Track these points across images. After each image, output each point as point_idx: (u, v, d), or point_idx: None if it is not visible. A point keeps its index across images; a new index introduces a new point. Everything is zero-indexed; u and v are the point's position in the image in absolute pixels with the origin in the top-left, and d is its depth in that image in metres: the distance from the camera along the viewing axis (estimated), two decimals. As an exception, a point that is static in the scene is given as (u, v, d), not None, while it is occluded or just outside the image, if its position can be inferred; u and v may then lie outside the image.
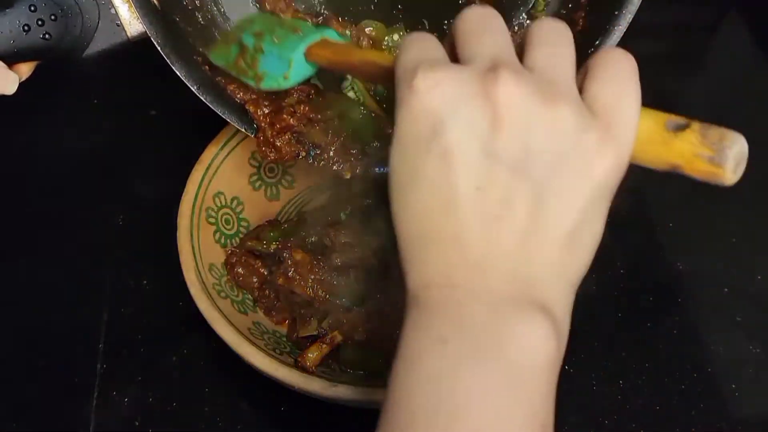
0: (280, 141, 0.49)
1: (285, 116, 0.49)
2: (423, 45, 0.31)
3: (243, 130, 0.49)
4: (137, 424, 0.49)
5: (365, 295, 0.51)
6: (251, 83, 0.46)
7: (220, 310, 0.47)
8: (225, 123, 0.57)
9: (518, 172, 0.28)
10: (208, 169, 0.55)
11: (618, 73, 0.31)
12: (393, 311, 0.50)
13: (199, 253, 0.51)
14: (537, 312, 0.28)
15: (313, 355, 0.49)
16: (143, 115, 0.67)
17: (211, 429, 0.49)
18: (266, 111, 0.49)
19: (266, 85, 0.46)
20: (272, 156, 0.49)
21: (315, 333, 0.50)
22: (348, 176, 0.50)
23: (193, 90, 0.47)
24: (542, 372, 0.28)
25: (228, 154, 0.56)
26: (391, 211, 0.31)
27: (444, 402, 0.27)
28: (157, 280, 0.56)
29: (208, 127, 0.56)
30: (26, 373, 0.51)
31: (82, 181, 0.62)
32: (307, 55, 0.44)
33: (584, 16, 0.51)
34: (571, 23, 0.50)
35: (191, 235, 0.51)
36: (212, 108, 0.48)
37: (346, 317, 0.50)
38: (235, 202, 0.56)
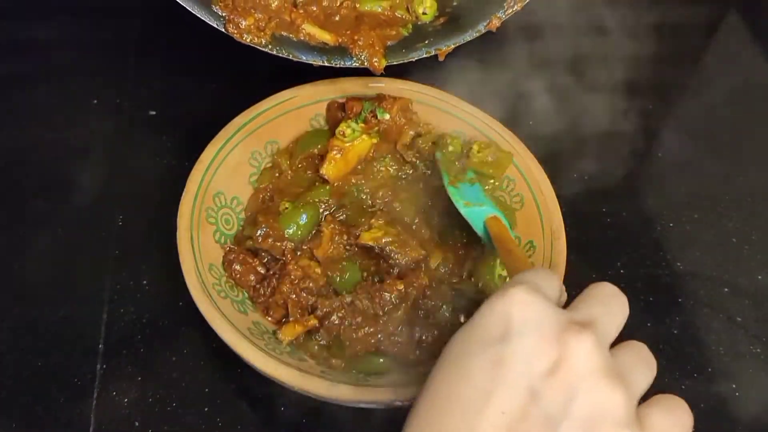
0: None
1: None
2: (545, 277, 0.34)
3: (213, 24, 0.52)
4: (137, 424, 0.49)
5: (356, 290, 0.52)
6: (445, 178, 0.54)
7: (220, 310, 0.47)
8: (225, 123, 0.57)
9: (548, 423, 0.29)
10: (208, 169, 0.55)
11: (680, 422, 0.31)
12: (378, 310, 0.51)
13: (199, 253, 0.51)
14: None
15: (286, 332, 0.49)
16: (143, 115, 0.67)
17: (211, 429, 0.49)
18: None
19: (452, 190, 0.53)
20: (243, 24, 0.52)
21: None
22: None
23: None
24: None
25: (228, 154, 0.56)
26: (429, 376, 0.33)
27: None
28: (157, 280, 0.56)
29: (208, 127, 0.56)
30: (26, 373, 0.51)
31: (82, 181, 0.62)
32: (489, 220, 0.51)
33: None
34: None
35: (191, 235, 0.51)
36: (181, 2, 0.50)
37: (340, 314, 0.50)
38: (235, 202, 0.56)
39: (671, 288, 0.59)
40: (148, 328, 0.54)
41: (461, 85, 0.62)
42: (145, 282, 0.56)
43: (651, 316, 0.57)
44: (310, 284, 0.52)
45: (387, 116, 0.58)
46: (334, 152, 0.56)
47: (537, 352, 0.29)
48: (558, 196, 0.56)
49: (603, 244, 0.61)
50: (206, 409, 0.50)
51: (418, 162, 0.58)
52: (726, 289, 0.59)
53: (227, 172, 0.56)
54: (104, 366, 0.51)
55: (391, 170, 0.58)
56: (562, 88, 0.69)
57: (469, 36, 0.57)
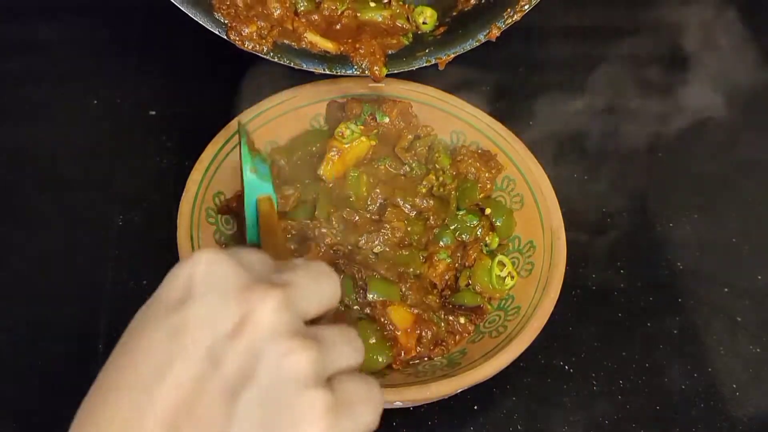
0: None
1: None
2: (263, 257, 0.30)
3: (215, 31, 0.52)
4: (137, 424, 0.49)
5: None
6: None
7: (220, 310, 0.47)
8: (225, 123, 0.57)
9: (226, 394, 0.25)
10: (208, 169, 0.55)
11: (372, 393, 0.30)
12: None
13: (199, 253, 0.51)
14: None
15: None
16: (143, 115, 0.67)
17: (211, 429, 0.49)
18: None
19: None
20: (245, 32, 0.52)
21: None
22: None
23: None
24: None
25: (228, 154, 0.56)
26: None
27: None
28: (157, 280, 0.55)
29: (208, 127, 0.56)
30: (26, 373, 0.51)
31: (82, 180, 0.62)
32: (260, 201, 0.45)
33: None
34: None
35: (191, 235, 0.51)
36: (183, 9, 0.51)
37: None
38: (235, 202, 0.56)
39: (671, 288, 0.59)
40: (148, 328, 0.53)
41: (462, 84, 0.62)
42: (145, 282, 0.56)
43: (651, 316, 0.57)
44: None
45: (386, 119, 0.59)
46: (333, 153, 0.56)
47: (218, 312, 0.26)
48: (558, 196, 0.56)
49: (603, 244, 0.61)
50: (206, 409, 0.50)
51: (414, 165, 0.59)
52: (726, 289, 0.59)
53: (227, 172, 0.56)
54: (104, 366, 0.51)
55: (392, 171, 0.58)
56: (562, 88, 0.69)
57: (469, 45, 0.57)
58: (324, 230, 0.53)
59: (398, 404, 0.46)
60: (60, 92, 0.69)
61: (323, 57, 0.57)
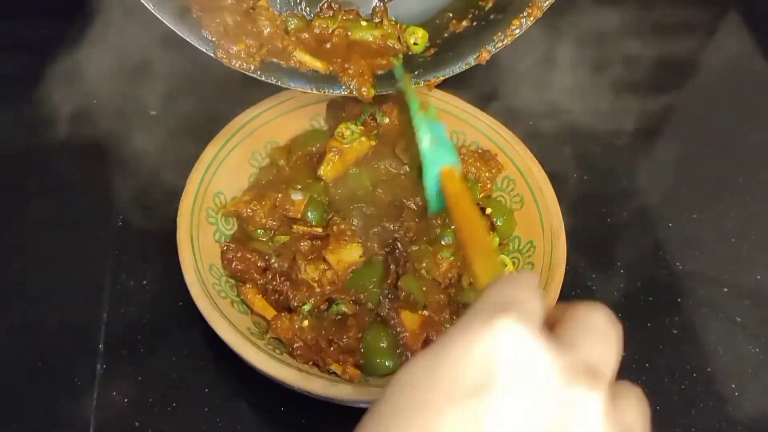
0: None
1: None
2: (526, 286, 0.26)
3: (203, 49, 0.51)
4: (137, 424, 0.49)
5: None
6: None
7: (220, 310, 0.47)
8: (225, 123, 0.57)
9: None
10: (208, 169, 0.55)
11: None
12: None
13: (199, 253, 0.51)
14: None
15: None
16: (143, 115, 0.67)
17: (211, 429, 0.49)
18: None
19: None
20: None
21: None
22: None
23: (150, 8, 0.48)
24: None
25: (228, 154, 0.56)
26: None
27: None
28: (157, 280, 0.56)
29: (208, 127, 0.56)
30: (26, 373, 0.51)
31: (82, 181, 0.62)
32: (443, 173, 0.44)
33: None
34: None
35: (191, 235, 0.51)
36: (170, 26, 0.49)
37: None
38: (235, 202, 0.56)
39: (671, 288, 0.59)
40: (148, 328, 0.54)
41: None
42: (145, 282, 0.56)
43: (651, 316, 0.57)
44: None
45: (386, 120, 0.58)
46: (332, 153, 0.56)
47: (533, 411, 0.23)
48: (558, 196, 0.56)
49: (603, 244, 0.61)
50: (206, 409, 0.50)
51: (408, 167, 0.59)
52: (726, 289, 0.59)
53: (227, 172, 0.56)
54: (104, 366, 0.51)
55: (393, 171, 0.58)
56: (562, 88, 0.69)
57: (458, 68, 0.56)
58: (343, 227, 0.54)
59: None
60: (60, 92, 0.69)
61: (311, 76, 0.55)
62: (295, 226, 0.55)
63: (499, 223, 0.57)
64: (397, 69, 0.54)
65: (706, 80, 0.76)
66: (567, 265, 0.52)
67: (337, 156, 0.57)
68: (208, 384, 0.51)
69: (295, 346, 0.49)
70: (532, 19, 0.52)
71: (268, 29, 0.53)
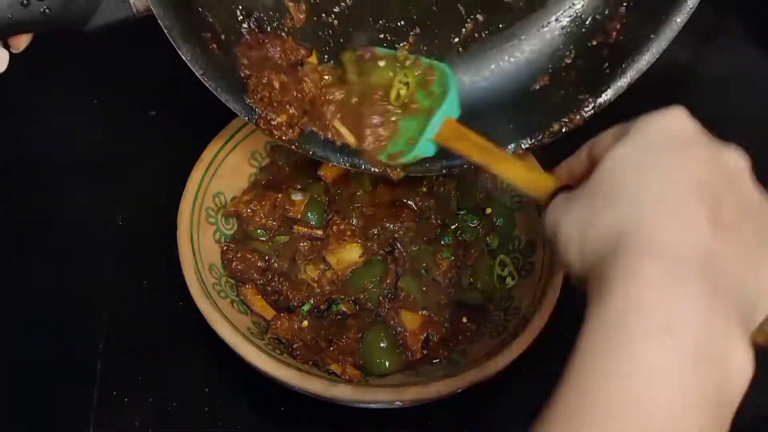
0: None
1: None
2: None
3: (245, 118, 0.48)
4: (137, 424, 0.49)
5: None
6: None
7: (220, 310, 0.47)
8: (225, 123, 0.57)
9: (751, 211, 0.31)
10: (208, 169, 0.55)
11: None
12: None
13: (199, 253, 0.51)
14: (746, 337, 0.28)
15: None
16: (143, 115, 0.67)
17: (211, 429, 0.49)
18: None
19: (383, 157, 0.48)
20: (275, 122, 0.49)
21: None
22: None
23: (198, 75, 0.46)
24: (737, 400, 0.29)
25: (228, 154, 0.56)
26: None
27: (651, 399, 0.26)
28: (157, 280, 0.56)
29: (208, 127, 0.56)
30: (26, 373, 0.51)
31: (82, 181, 0.62)
32: (436, 136, 0.46)
33: (618, 28, 0.49)
34: (604, 33, 0.49)
35: (191, 235, 0.51)
36: (215, 94, 0.47)
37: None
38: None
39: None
40: (148, 327, 0.54)
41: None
42: (145, 282, 0.56)
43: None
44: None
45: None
46: None
47: (711, 158, 0.31)
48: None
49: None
50: (206, 409, 0.50)
51: None
52: (726, 289, 0.59)
53: (227, 172, 0.56)
54: (104, 366, 0.51)
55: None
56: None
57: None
58: (343, 227, 0.54)
59: (398, 404, 0.46)
60: (60, 92, 0.69)
61: (346, 150, 0.51)
62: (295, 227, 0.55)
63: (499, 223, 0.57)
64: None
65: (706, 81, 0.76)
66: (567, 265, 0.52)
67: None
68: (208, 384, 0.51)
69: (294, 346, 0.49)
70: (572, 125, 0.50)
71: (312, 91, 0.50)
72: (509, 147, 0.51)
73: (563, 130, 0.50)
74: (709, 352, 0.26)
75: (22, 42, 0.45)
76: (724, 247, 0.28)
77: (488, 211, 0.57)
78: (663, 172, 0.30)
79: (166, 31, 0.44)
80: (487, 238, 0.56)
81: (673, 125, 0.32)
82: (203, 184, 0.54)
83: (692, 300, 0.26)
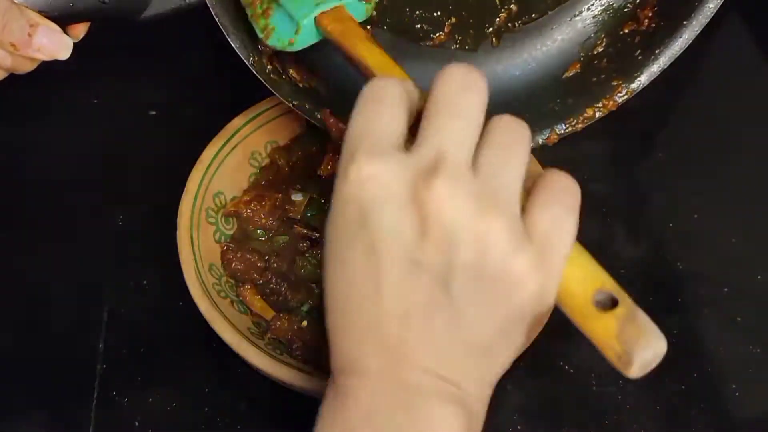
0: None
1: None
2: (377, 110, 0.30)
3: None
4: (137, 424, 0.49)
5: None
6: (260, 34, 0.45)
7: (220, 310, 0.47)
8: (225, 123, 0.57)
9: (439, 284, 0.28)
10: (208, 169, 0.55)
11: (561, 201, 0.30)
12: None
13: (199, 253, 0.51)
14: (451, 405, 0.28)
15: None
16: (143, 115, 0.67)
17: (211, 429, 0.49)
18: None
19: (272, 42, 0.45)
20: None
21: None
22: None
23: (247, 63, 0.46)
24: None
25: (228, 154, 0.56)
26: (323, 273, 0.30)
27: None
28: (157, 280, 0.56)
29: (208, 127, 0.56)
30: (26, 373, 0.51)
31: (82, 181, 0.62)
32: (318, 22, 0.42)
33: (650, 16, 0.49)
34: (636, 20, 0.49)
35: (191, 235, 0.51)
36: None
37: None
38: (235, 202, 0.56)
39: (671, 288, 0.59)
40: (148, 328, 0.54)
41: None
42: (145, 282, 0.56)
43: (651, 316, 0.57)
44: None
45: None
46: (332, 153, 0.56)
47: (399, 225, 0.27)
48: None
49: (603, 244, 0.61)
50: (206, 409, 0.50)
51: None
52: (726, 289, 0.59)
53: (227, 172, 0.56)
54: (104, 366, 0.51)
55: None
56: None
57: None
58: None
59: (398, 404, 0.46)
60: (60, 92, 0.69)
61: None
62: (295, 227, 0.55)
63: (499, 223, 0.57)
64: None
65: (706, 80, 0.76)
66: (567, 265, 0.52)
67: (337, 156, 0.56)
68: (208, 384, 0.51)
69: (294, 347, 0.49)
70: (605, 110, 0.50)
71: None
72: (544, 132, 0.51)
73: (597, 115, 0.50)
74: None
75: (80, 31, 0.46)
76: (416, 343, 0.28)
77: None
78: (349, 277, 0.29)
79: (217, 20, 0.44)
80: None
81: (352, 199, 0.29)
82: (203, 184, 0.54)
83: (376, 406, 0.29)
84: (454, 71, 0.30)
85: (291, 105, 0.48)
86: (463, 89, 0.30)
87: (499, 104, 0.51)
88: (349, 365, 0.29)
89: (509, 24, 0.52)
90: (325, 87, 0.51)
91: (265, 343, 0.48)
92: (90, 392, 0.50)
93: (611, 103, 0.50)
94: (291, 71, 0.48)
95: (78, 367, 0.51)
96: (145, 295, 0.55)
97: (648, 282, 0.59)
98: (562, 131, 0.51)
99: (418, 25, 0.51)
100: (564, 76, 0.52)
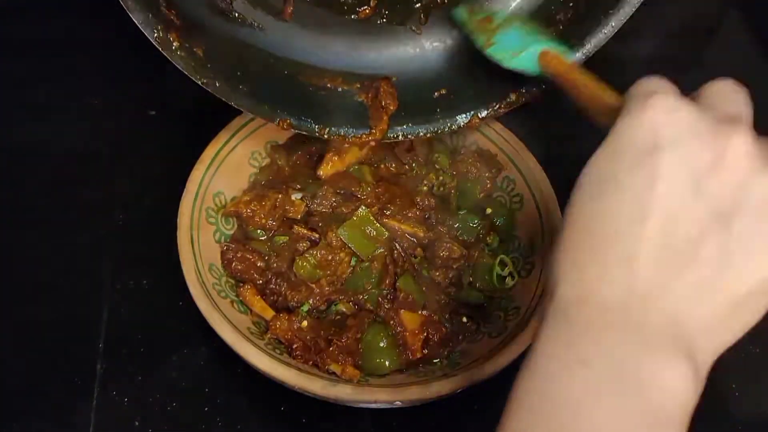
0: None
1: None
2: (661, 82, 0.31)
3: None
4: (137, 424, 0.49)
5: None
6: (479, 42, 0.48)
7: (220, 310, 0.48)
8: (225, 123, 0.57)
9: (719, 220, 0.28)
10: (208, 169, 0.55)
11: None
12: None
13: (199, 253, 0.51)
14: (683, 359, 0.28)
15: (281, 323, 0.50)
16: (143, 115, 0.67)
17: (211, 429, 0.49)
18: None
19: (492, 51, 0.48)
20: None
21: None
22: None
23: (151, 40, 0.46)
24: (678, 418, 0.28)
25: (228, 154, 0.56)
26: (567, 209, 0.31)
27: (579, 428, 0.27)
28: (157, 280, 0.56)
29: (208, 127, 0.56)
30: (26, 373, 0.51)
31: (82, 180, 0.62)
32: (540, 57, 0.46)
33: (578, 3, 0.50)
34: (565, 5, 0.50)
35: (191, 235, 0.51)
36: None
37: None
38: (235, 202, 0.56)
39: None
40: (148, 327, 0.54)
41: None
42: (145, 282, 0.56)
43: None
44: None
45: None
46: (332, 153, 0.56)
47: (693, 154, 0.28)
48: (558, 197, 0.56)
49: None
50: (206, 409, 0.50)
51: (414, 165, 0.59)
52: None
53: (227, 172, 0.56)
54: (104, 366, 0.51)
55: (393, 170, 0.58)
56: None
57: (447, 126, 0.54)
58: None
59: (398, 404, 0.46)
60: (60, 92, 0.69)
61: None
62: (294, 227, 0.55)
63: (499, 223, 0.57)
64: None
65: (706, 80, 0.76)
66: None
67: (336, 156, 0.56)
68: (208, 384, 0.51)
69: (294, 347, 0.49)
70: (528, 96, 0.50)
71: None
72: (466, 115, 0.51)
73: (521, 100, 0.50)
74: (630, 379, 0.27)
75: None
76: (666, 284, 0.28)
77: (488, 211, 0.57)
78: (618, 202, 0.29)
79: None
80: (487, 238, 0.56)
81: (645, 131, 0.29)
82: (203, 184, 0.54)
83: (608, 337, 0.28)
84: (727, 80, 0.33)
85: (199, 82, 0.48)
86: (740, 87, 0.33)
87: (424, 81, 0.51)
88: (590, 296, 0.29)
89: (438, 0, 0.52)
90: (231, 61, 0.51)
91: (265, 343, 0.48)
92: (90, 392, 0.50)
93: (534, 89, 0.50)
94: (196, 49, 0.48)
95: (78, 367, 0.51)
96: (145, 295, 0.55)
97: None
98: (485, 114, 0.51)
99: None
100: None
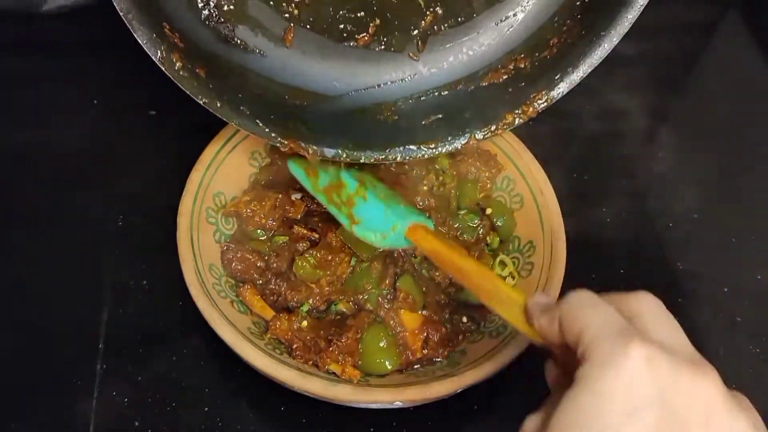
0: None
1: None
2: (606, 310, 0.33)
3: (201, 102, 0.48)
4: (137, 424, 0.49)
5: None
6: (344, 221, 0.50)
7: (220, 310, 0.48)
8: (225, 123, 0.57)
9: None
10: (208, 169, 0.55)
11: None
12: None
13: (199, 253, 0.51)
14: None
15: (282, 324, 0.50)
16: (143, 115, 0.67)
17: (211, 429, 0.49)
18: None
19: (361, 233, 0.49)
20: None
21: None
22: None
23: (155, 59, 0.46)
24: None
25: (228, 154, 0.56)
26: None
27: None
28: (157, 280, 0.56)
29: (208, 127, 0.56)
30: (26, 373, 0.51)
31: (82, 181, 0.62)
32: (409, 233, 0.47)
33: (572, 25, 0.50)
34: (559, 30, 0.50)
35: (191, 235, 0.51)
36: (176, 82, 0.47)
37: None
38: (235, 202, 0.56)
39: (671, 288, 0.59)
40: (148, 328, 0.54)
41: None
42: (145, 282, 0.56)
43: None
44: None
45: None
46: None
47: (677, 414, 0.30)
48: (558, 197, 0.56)
49: (603, 244, 0.61)
50: (206, 409, 0.50)
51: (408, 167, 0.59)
52: (726, 289, 0.59)
53: (227, 172, 0.56)
54: (104, 366, 0.51)
55: (393, 171, 0.58)
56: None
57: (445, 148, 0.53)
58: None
59: (398, 404, 0.46)
60: (60, 92, 0.69)
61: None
62: (294, 227, 0.55)
63: (499, 223, 0.57)
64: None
65: (706, 80, 0.76)
66: (567, 265, 0.52)
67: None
68: (208, 384, 0.51)
69: (294, 347, 0.49)
70: (525, 117, 0.51)
71: None
72: (464, 136, 0.51)
73: (517, 121, 0.50)
74: None
75: None
76: None
77: (488, 211, 0.57)
78: None
79: (122, 14, 0.44)
80: (487, 238, 0.56)
81: (623, 382, 0.30)
82: (203, 184, 0.54)
83: None
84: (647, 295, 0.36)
85: (201, 102, 0.48)
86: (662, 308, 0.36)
87: (422, 108, 0.52)
88: None
89: (435, 27, 0.52)
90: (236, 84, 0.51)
91: (265, 343, 0.48)
92: (90, 392, 0.50)
93: (530, 109, 0.50)
94: (198, 70, 0.48)
95: (78, 367, 0.51)
96: (145, 295, 0.55)
97: (648, 282, 0.59)
98: (481, 135, 0.51)
99: (342, 25, 0.51)
100: (488, 82, 0.52)
